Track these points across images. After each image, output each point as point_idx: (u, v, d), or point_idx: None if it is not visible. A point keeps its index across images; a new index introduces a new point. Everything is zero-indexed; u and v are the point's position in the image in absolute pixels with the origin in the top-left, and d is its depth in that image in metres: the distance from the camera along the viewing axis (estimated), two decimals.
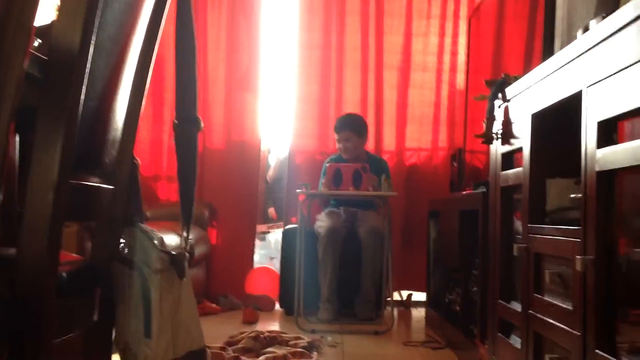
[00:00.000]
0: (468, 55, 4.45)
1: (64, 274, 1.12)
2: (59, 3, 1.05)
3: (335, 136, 4.41)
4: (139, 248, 1.29)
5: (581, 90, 1.50)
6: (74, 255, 1.33)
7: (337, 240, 4.12)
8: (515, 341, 2.01)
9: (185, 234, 1.41)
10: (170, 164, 4.82)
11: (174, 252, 1.32)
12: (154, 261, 1.28)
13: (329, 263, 4.07)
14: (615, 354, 1.33)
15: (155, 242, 1.29)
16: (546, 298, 1.75)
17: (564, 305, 1.61)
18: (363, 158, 4.40)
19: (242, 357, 2.69)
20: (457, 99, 4.77)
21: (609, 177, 1.38)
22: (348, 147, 4.34)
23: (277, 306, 4.46)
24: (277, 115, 5.57)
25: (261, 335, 3.15)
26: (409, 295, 4.83)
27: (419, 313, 4.55)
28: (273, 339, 3.18)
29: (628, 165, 1.26)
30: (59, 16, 1.03)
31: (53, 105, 1.01)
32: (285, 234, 4.40)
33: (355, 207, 4.35)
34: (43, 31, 1.32)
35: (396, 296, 4.68)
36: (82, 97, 1.04)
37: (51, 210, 0.98)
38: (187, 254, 1.37)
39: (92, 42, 1.05)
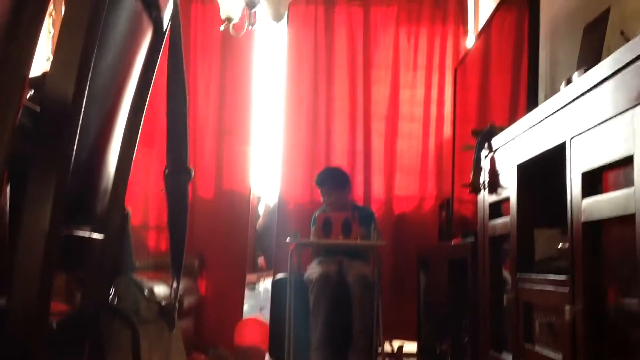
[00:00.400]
0: (454, 106, 4.52)
1: (54, 324, 1.12)
2: (50, 55, 1.07)
3: (319, 190, 4.44)
4: (129, 298, 1.29)
5: (565, 142, 1.53)
6: (63, 305, 1.32)
7: (329, 286, 4.09)
8: None
9: (175, 284, 1.40)
10: (159, 213, 4.82)
11: (163, 303, 1.32)
12: (143, 310, 1.27)
13: (320, 310, 4.04)
14: None
15: (145, 292, 1.29)
16: (536, 348, 1.75)
17: (554, 355, 1.61)
18: (348, 208, 4.43)
19: None
20: (444, 149, 4.82)
21: (595, 227, 1.40)
22: (332, 200, 4.36)
23: (267, 358, 4.40)
24: (267, 163, 5.61)
25: None
26: (400, 347, 4.78)
27: None
28: None
29: (613, 215, 1.28)
30: (52, 66, 1.04)
31: (46, 155, 1.02)
32: (275, 283, 4.38)
33: (344, 256, 4.35)
34: (35, 82, 1.33)
35: (387, 347, 4.64)
36: (75, 147, 1.05)
37: (42, 260, 0.98)
38: (176, 305, 1.36)
39: (86, 92, 1.06)
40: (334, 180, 4.42)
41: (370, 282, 4.02)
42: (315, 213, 4.38)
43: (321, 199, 4.45)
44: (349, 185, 4.48)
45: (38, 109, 1.05)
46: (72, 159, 1.05)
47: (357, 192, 4.79)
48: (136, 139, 1.36)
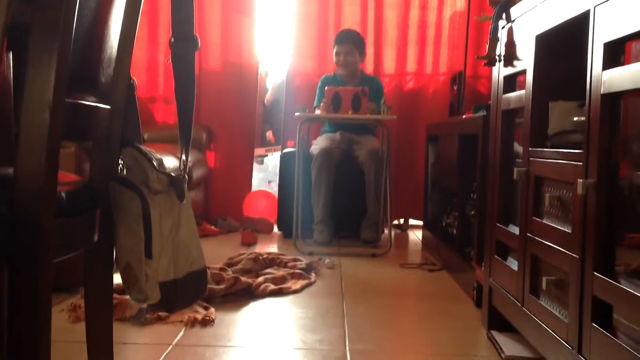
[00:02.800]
0: None
1: (63, 194, 1.11)
2: None
3: (335, 48, 4.35)
4: (138, 169, 1.28)
5: (589, 10, 1.46)
6: (73, 175, 1.32)
7: (331, 162, 4.11)
8: (512, 264, 2.03)
9: (184, 155, 1.39)
10: (166, 85, 4.77)
11: (173, 174, 1.31)
12: (153, 182, 1.26)
13: (322, 185, 4.08)
14: (613, 276, 1.34)
15: (154, 163, 1.28)
16: (545, 221, 1.76)
17: (563, 229, 1.62)
18: (358, 76, 4.37)
19: (242, 278, 2.73)
20: (458, 20, 4.67)
21: (614, 100, 1.36)
22: (349, 61, 4.29)
23: (275, 229, 4.50)
24: (275, 36, 5.47)
25: (260, 257, 3.19)
26: (406, 219, 4.87)
27: (415, 236, 4.60)
28: (272, 261, 3.22)
29: (634, 87, 1.24)
30: None
31: (46, 20, 0.98)
32: (283, 157, 4.40)
33: (352, 131, 4.34)
34: None
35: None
36: (76, 12, 1.00)
37: (47, 129, 0.96)
38: (186, 176, 1.36)
39: None
40: (353, 41, 4.33)
41: (380, 157, 4.03)
42: (320, 82, 4.35)
43: (334, 58, 4.37)
44: (364, 52, 4.40)
45: None
46: (74, 24, 1.01)
47: (368, 66, 4.70)
48: (140, 5, 1.30)
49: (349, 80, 4.32)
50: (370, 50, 4.71)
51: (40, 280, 0.98)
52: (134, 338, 2.11)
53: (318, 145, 4.19)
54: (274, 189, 4.96)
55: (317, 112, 3.99)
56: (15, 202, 0.96)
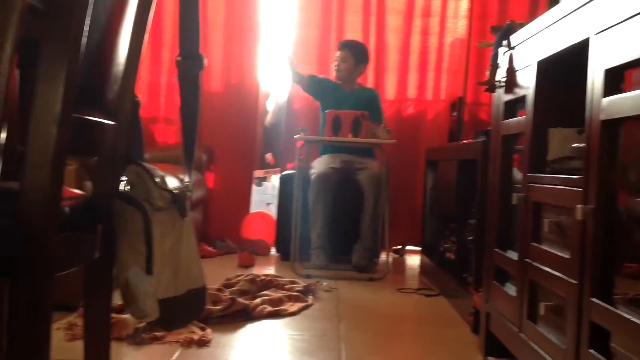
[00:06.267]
0: (472, 1, 4.38)
1: (66, 209, 1.12)
2: None
3: (336, 53, 4.42)
4: (141, 185, 1.29)
5: (589, 38, 1.48)
6: (76, 190, 1.33)
7: (328, 185, 4.11)
8: (510, 289, 2.03)
9: (186, 170, 1.40)
10: (168, 105, 4.80)
11: (175, 191, 1.32)
12: (156, 199, 1.27)
13: (319, 209, 4.08)
14: (612, 303, 1.35)
15: (157, 179, 1.29)
16: (544, 247, 1.76)
17: (562, 254, 1.62)
18: (354, 85, 4.41)
19: (239, 299, 2.72)
20: (459, 47, 4.72)
21: (614, 126, 1.37)
22: (341, 68, 4.35)
23: (273, 251, 4.50)
24: (277, 59, 5.50)
25: (257, 279, 3.18)
26: (403, 244, 4.87)
27: (412, 261, 4.59)
28: (269, 283, 3.21)
29: (634, 114, 1.25)
30: None
31: (56, 36, 0.99)
32: (283, 179, 4.41)
33: (352, 153, 4.35)
34: None
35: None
36: (86, 29, 1.02)
37: (54, 144, 0.97)
38: (188, 193, 1.36)
39: None
40: (350, 48, 4.37)
41: (381, 181, 4.04)
42: (324, 77, 4.39)
43: (333, 65, 4.42)
44: (364, 62, 4.45)
45: None
46: (84, 40, 1.02)
47: None
48: (147, 24, 1.32)
49: (344, 87, 4.37)
50: (370, 75, 4.75)
51: (43, 294, 0.98)
52: (130, 357, 2.10)
53: (316, 169, 4.19)
54: (272, 212, 4.97)
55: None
56: (21, 215, 0.97)
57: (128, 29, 1.29)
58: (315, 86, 4.45)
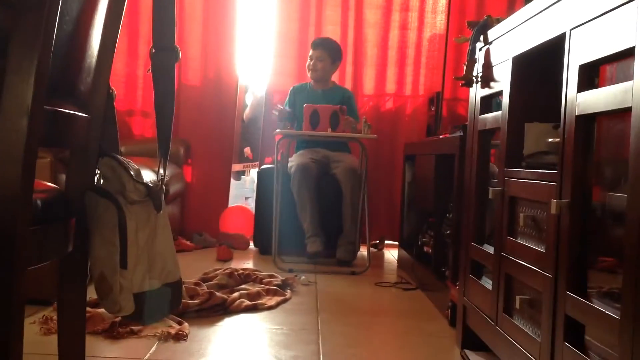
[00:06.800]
0: None
1: (38, 202, 1.10)
2: None
3: (310, 52, 4.41)
4: (114, 178, 1.27)
5: (564, 33, 1.48)
6: (48, 183, 1.31)
7: (310, 176, 4.10)
8: (487, 283, 2.05)
9: (162, 165, 1.39)
10: (145, 99, 4.75)
11: (150, 184, 1.31)
12: (130, 192, 1.26)
13: (305, 199, 4.07)
14: (586, 296, 1.36)
15: (132, 173, 1.28)
16: (519, 241, 1.77)
17: (537, 248, 1.63)
18: (328, 84, 4.41)
19: (217, 293, 2.71)
20: (437, 42, 4.73)
21: (589, 121, 1.38)
22: (317, 67, 4.34)
23: (251, 245, 4.48)
24: (255, 53, 5.49)
25: (235, 273, 3.17)
26: (382, 238, 4.88)
27: (391, 255, 4.61)
28: (247, 277, 3.21)
29: (608, 109, 1.26)
30: None
31: (27, 27, 0.97)
32: (261, 173, 4.39)
33: (328, 148, 4.35)
34: None
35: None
36: (57, 20, 1.00)
37: (25, 135, 0.96)
38: (163, 187, 1.35)
39: None
40: (326, 47, 4.37)
41: (358, 174, 4.05)
42: (292, 88, 4.39)
43: (307, 62, 4.42)
44: (338, 61, 4.45)
45: None
46: (55, 31, 1.01)
47: (346, 86, 4.73)
48: (121, 15, 1.31)
49: (318, 87, 4.38)
50: (349, 69, 4.75)
51: (14, 289, 0.97)
52: (106, 352, 2.08)
53: (294, 161, 4.19)
54: (250, 206, 4.95)
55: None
56: None
57: (101, 20, 1.27)
58: (296, 104, 4.42)
